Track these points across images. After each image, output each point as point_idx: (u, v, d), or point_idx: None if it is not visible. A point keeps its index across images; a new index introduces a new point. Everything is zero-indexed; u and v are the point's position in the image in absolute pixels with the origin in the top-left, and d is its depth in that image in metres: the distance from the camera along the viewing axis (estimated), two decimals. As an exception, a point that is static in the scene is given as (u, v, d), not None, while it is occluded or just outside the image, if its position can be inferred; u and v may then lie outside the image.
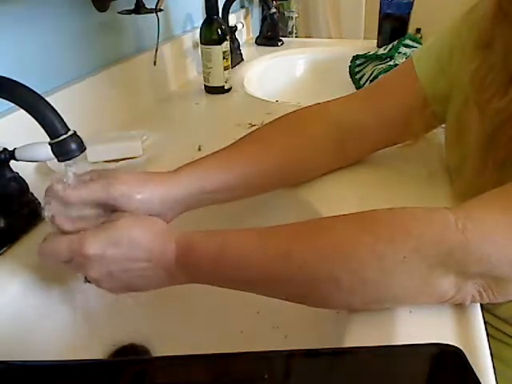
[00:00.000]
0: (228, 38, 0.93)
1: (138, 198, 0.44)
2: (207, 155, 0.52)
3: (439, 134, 0.60)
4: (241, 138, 0.54)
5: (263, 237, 0.40)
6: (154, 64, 0.85)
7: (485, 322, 0.39)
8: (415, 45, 1.08)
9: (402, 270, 0.35)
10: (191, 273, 0.41)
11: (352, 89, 1.08)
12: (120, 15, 0.76)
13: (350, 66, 1.12)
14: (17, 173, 0.51)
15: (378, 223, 0.37)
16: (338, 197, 0.56)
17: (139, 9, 0.76)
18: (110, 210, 0.44)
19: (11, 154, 0.49)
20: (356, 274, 0.36)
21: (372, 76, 1.04)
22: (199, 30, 0.92)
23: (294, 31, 1.54)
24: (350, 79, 1.11)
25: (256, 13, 1.46)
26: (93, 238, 0.40)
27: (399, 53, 1.05)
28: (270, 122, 0.57)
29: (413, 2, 1.13)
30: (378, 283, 0.36)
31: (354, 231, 0.37)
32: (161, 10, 0.79)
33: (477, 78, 0.47)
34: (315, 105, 0.59)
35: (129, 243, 0.40)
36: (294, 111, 0.58)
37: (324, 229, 0.39)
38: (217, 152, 0.52)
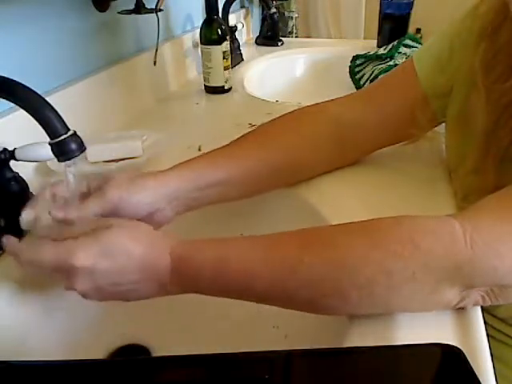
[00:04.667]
0: (228, 37, 0.93)
1: (136, 198, 0.44)
2: (205, 153, 0.52)
3: (440, 134, 0.60)
4: (239, 138, 0.55)
5: (267, 249, 0.38)
6: (154, 64, 0.85)
7: (484, 323, 0.39)
8: (415, 45, 1.08)
9: (410, 285, 0.35)
10: (187, 286, 0.40)
11: (352, 89, 1.08)
12: (120, 15, 0.76)
13: (350, 66, 1.12)
14: (17, 173, 0.51)
15: (385, 237, 0.36)
16: (338, 197, 0.56)
17: (139, 9, 0.76)
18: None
19: (11, 154, 0.49)
20: (364, 290, 0.35)
21: (372, 76, 1.03)
22: (199, 30, 0.92)
23: (294, 31, 1.53)
24: (350, 79, 1.11)
25: (256, 13, 1.46)
26: (82, 249, 0.37)
27: (399, 53, 1.05)
28: (269, 121, 0.57)
29: (413, 2, 1.13)
30: (385, 298, 0.36)
31: (361, 246, 0.36)
32: (161, 10, 0.79)
33: (484, 61, 0.47)
34: (315, 104, 0.59)
35: (120, 255, 0.38)
36: (293, 110, 0.58)
37: (331, 242, 0.38)
38: (215, 150, 0.53)
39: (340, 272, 0.36)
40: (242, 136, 0.55)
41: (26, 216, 0.42)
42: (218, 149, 0.53)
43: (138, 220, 0.45)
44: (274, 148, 0.54)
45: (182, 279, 0.39)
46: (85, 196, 0.45)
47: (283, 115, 0.57)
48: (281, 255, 0.38)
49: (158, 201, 0.46)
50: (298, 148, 0.55)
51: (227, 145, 0.54)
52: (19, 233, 0.51)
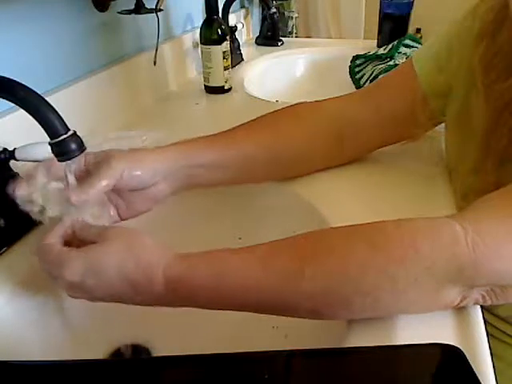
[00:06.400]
0: (228, 38, 0.93)
1: (137, 172, 0.45)
2: (205, 135, 0.53)
3: (440, 133, 0.60)
4: (238, 125, 0.55)
5: (266, 263, 0.37)
6: (154, 64, 0.85)
7: (485, 322, 0.39)
8: (415, 45, 1.08)
9: (414, 289, 0.35)
10: (183, 303, 0.40)
11: (352, 89, 1.08)
12: (120, 15, 0.76)
13: (350, 66, 1.12)
14: (17, 173, 0.51)
15: (387, 242, 0.36)
16: (338, 195, 0.56)
17: (139, 9, 0.76)
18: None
19: (11, 154, 0.49)
20: (368, 297, 0.35)
21: (372, 76, 1.03)
22: (199, 30, 0.92)
23: (294, 31, 1.53)
24: (350, 79, 1.11)
25: (256, 13, 1.46)
26: (71, 265, 0.37)
27: (399, 53, 1.05)
28: (269, 112, 0.57)
29: (413, 2, 1.13)
30: (389, 303, 0.36)
31: (363, 252, 0.36)
32: (161, 10, 0.79)
33: (483, 61, 0.47)
34: (315, 101, 0.59)
35: (107, 273, 0.37)
36: (292, 105, 0.59)
37: (332, 250, 0.37)
38: (214, 134, 0.54)
39: (343, 281, 0.35)
40: (241, 124, 0.56)
41: (19, 191, 0.42)
42: (217, 133, 0.54)
43: (136, 192, 0.47)
44: (272, 136, 0.54)
45: (178, 298, 0.39)
46: (83, 171, 0.44)
47: (283, 108, 0.58)
48: (280, 269, 0.36)
49: (154, 175, 0.47)
50: (296, 138, 0.55)
51: (223, 131, 0.54)
52: (19, 232, 0.51)
